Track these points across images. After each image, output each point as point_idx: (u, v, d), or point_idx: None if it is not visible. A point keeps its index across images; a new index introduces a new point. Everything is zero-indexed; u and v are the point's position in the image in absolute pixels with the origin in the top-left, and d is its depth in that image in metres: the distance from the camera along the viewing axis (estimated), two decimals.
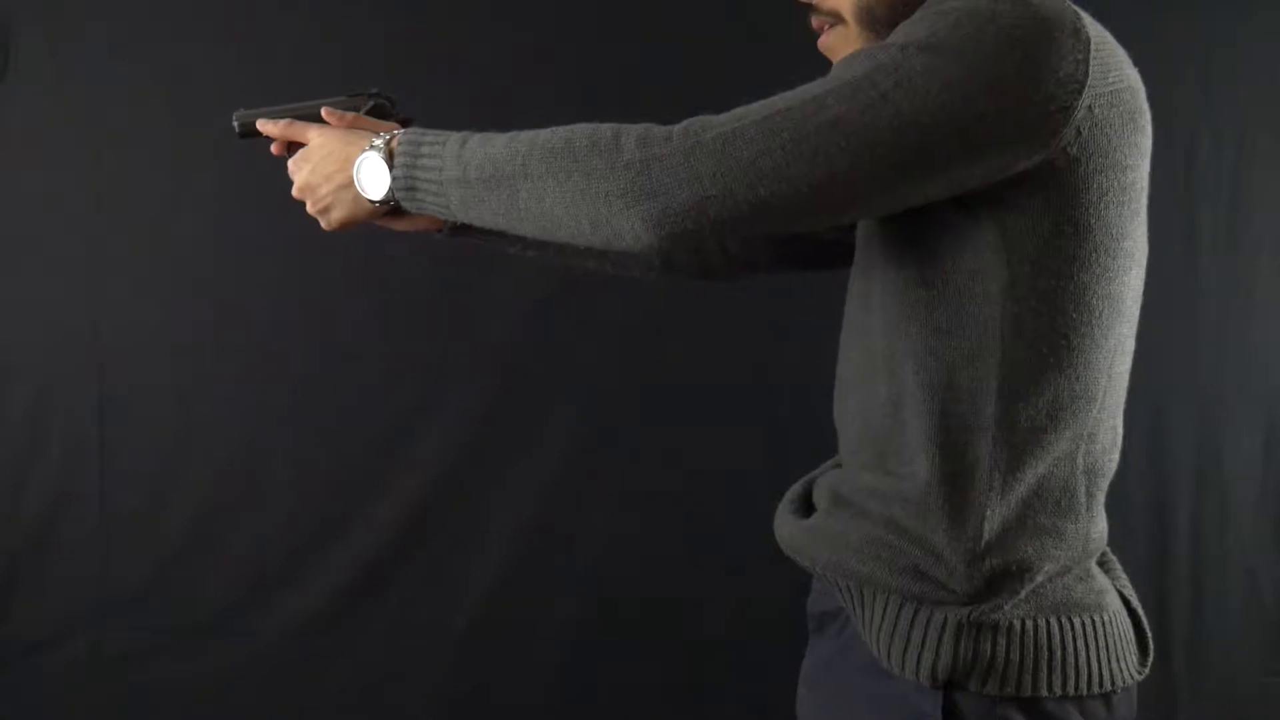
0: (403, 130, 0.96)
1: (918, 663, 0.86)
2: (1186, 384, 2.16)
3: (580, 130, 0.85)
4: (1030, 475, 0.87)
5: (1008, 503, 0.86)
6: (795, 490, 1.04)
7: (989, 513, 0.86)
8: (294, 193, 1.05)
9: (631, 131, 0.83)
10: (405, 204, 0.95)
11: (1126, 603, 0.95)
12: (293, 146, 1.09)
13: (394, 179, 0.94)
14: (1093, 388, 0.87)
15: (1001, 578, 0.86)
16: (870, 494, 0.91)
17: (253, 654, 2.09)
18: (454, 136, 0.92)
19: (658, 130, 0.83)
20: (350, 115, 1.07)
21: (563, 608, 2.13)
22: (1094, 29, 0.80)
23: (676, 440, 2.12)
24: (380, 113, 1.10)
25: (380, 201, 0.96)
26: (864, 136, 0.77)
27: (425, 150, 0.92)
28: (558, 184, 0.84)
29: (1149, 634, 0.95)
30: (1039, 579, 0.87)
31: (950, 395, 0.86)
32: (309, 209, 1.04)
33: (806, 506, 1.01)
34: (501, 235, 1.13)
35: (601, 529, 2.14)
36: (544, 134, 0.87)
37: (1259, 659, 2.22)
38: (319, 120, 1.07)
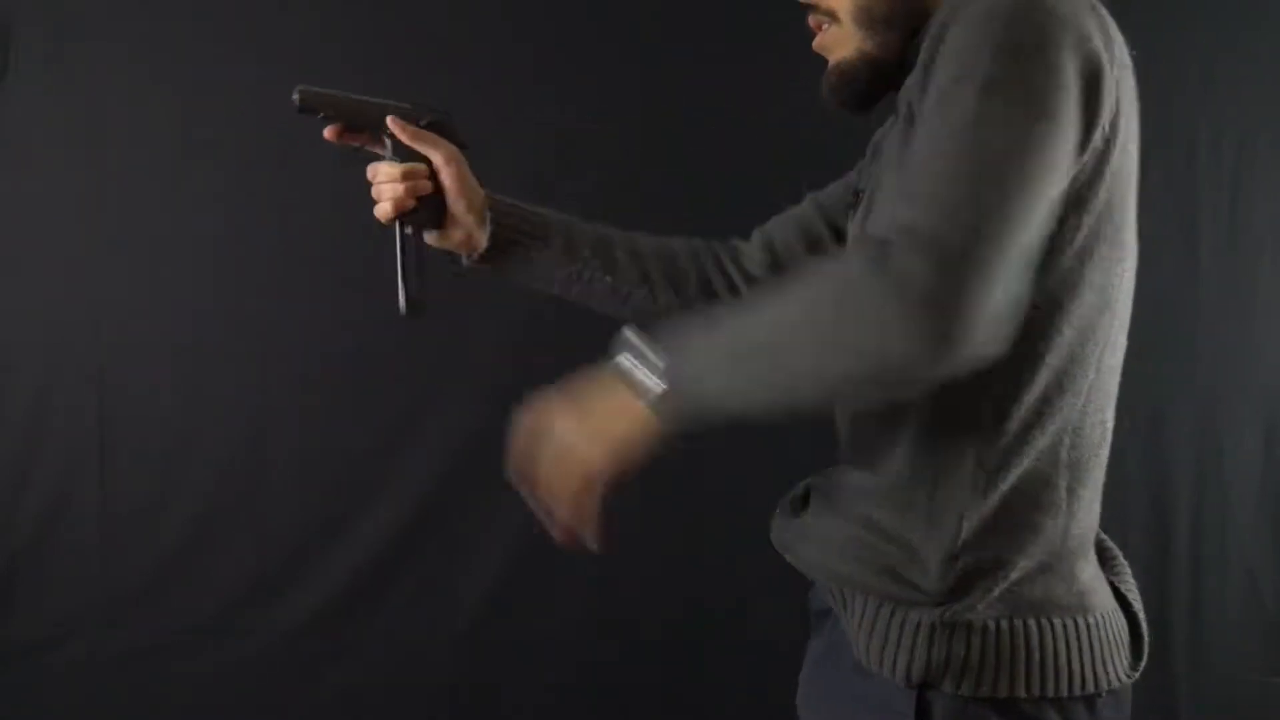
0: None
1: (894, 663, 0.86)
2: (1186, 384, 2.16)
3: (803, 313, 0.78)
4: (1014, 472, 0.86)
5: (989, 501, 0.85)
6: (795, 491, 1.04)
7: (968, 511, 0.85)
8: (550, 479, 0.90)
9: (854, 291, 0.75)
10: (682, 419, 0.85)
11: (1126, 604, 0.94)
12: (346, 134, 1.07)
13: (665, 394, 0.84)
14: (1080, 381, 0.86)
15: (974, 575, 0.85)
16: (856, 493, 0.91)
17: (253, 654, 2.08)
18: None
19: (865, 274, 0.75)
20: (412, 128, 1.07)
21: (563, 608, 2.13)
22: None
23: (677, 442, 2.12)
24: (437, 129, 1.09)
25: (650, 403, 0.85)
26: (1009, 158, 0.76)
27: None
28: (819, 346, 0.76)
29: (1145, 636, 0.94)
30: (1013, 575, 0.86)
31: (942, 394, 0.83)
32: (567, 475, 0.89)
33: (803, 505, 1.01)
34: (528, 271, 1.14)
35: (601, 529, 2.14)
36: (763, 311, 0.80)
37: (1259, 659, 2.22)
38: (378, 116, 1.07)
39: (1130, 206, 0.88)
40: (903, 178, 0.79)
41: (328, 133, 1.08)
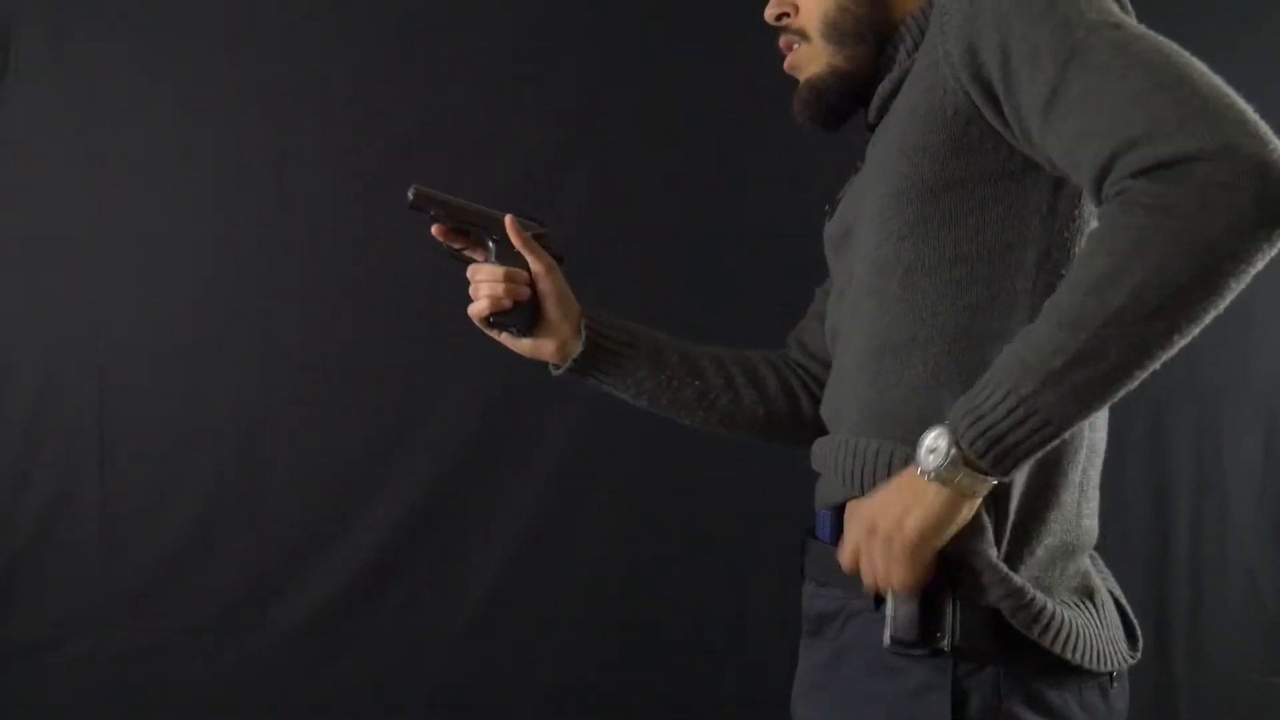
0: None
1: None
2: (1186, 384, 2.16)
3: (1110, 249, 0.75)
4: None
5: (1025, 475, 0.86)
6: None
7: (1015, 489, 0.86)
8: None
9: (1152, 204, 0.74)
10: (995, 471, 0.81)
11: (1110, 594, 0.97)
12: (451, 235, 1.12)
13: (967, 445, 0.80)
14: None
15: (1015, 553, 0.86)
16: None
17: (253, 654, 2.08)
18: (987, 379, 0.80)
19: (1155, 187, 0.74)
20: (525, 234, 1.11)
21: (563, 608, 2.13)
22: None
23: (676, 440, 2.12)
24: (538, 241, 1.14)
25: (937, 473, 0.81)
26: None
27: (981, 400, 0.80)
28: (1157, 284, 0.74)
29: (1135, 622, 0.97)
30: (1038, 553, 0.87)
31: (982, 372, 0.84)
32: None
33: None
34: (618, 379, 1.17)
35: (601, 529, 2.14)
36: (1079, 286, 0.76)
37: (1259, 659, 2.22)
38: (486, 221, 1.11)
39: None
40: (1078, 120, 0.77)
41: (435, 230, 1.12)
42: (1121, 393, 0.79)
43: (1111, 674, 0.91)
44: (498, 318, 1.11)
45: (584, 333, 1.14)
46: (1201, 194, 0.72)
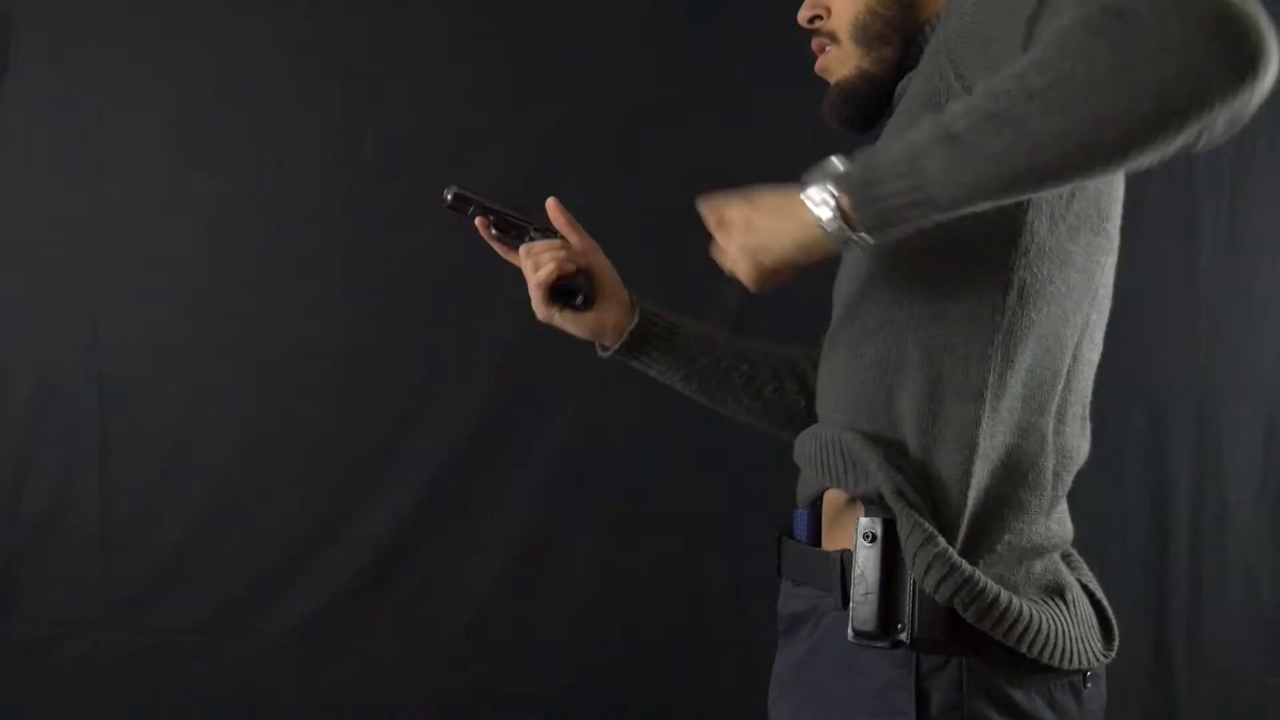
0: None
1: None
2: (1186, 384, 2.16)
3: (1064, 37, 0.70)
4: (1009, 443, 0.88)
5: (986, 470, 0.87)
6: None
7: (974, 480, 0.86)
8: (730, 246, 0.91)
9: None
10: (862, 223, 0.80)
11: (1090, 593, 0.97)
12: (499, 225, 1.11)
13: (851, 199, 0.80)
14: (1059, 362, 0.89)
15: (970, 547, 0.87)
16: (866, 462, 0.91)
17: (253, 654, 2.09)
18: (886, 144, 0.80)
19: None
20: (568, 215, 1.12)
21: (563, 607, 2.13)
22: None
23: (676, 440, 2.12)
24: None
25: (819, 223, 0.82)
26: None
27: (882, 150, 0.80)
28: (1086, 79, 0.68)
29: (1113, 620, 0.97)
30: (998, 550, 0.87)
31: (948, 360, 0.87)
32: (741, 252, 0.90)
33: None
34: (668, 358, 1.17)
35: (601, 529, 2.14)
36: (1020, 65, 0.72)
37: (1259, 659, 2.22)
38: (526, 226, 1.12)
39: (1117, 200, 0.89)
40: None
41: (479, 222, 1.11)
42: (1007, 191, 0.74)
43: (1085, 673, 0.91)
44: (565, 283, 1.11)
45: (637, 309, 1.15)
46: (1155, 9, 0.66)
